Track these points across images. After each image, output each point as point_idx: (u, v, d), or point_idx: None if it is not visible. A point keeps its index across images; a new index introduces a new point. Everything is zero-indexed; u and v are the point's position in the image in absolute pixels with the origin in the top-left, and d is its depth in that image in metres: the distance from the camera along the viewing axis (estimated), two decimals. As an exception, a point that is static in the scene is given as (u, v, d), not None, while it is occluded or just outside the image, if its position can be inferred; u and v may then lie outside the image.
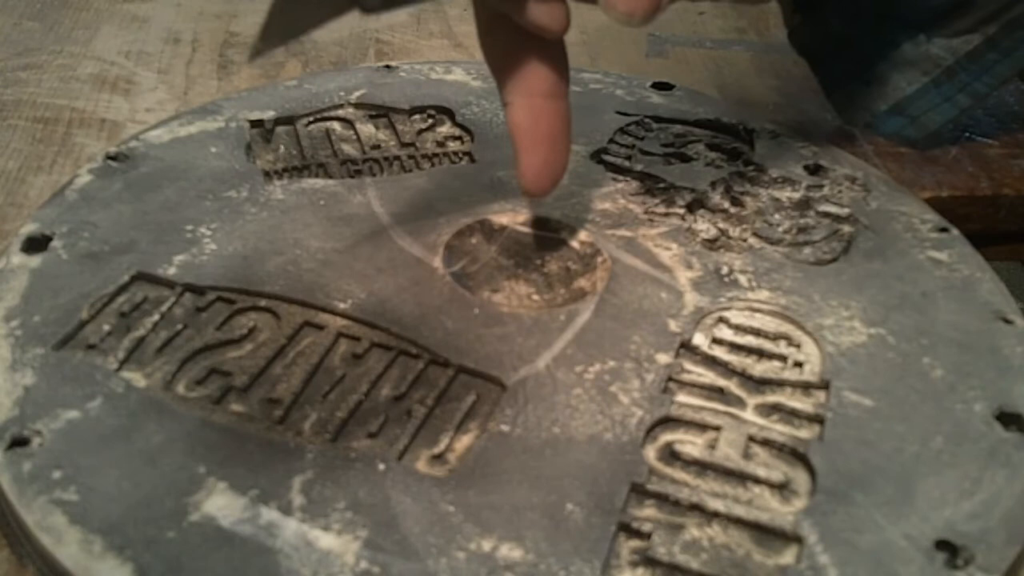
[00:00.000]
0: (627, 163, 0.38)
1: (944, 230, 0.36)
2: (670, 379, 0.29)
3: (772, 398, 0.29)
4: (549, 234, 0.35)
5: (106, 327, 0.29)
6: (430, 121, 0.41)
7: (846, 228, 0.36)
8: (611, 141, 0.40)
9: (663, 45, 0.53)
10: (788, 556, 0.24)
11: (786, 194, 0.37)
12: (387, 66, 0.44)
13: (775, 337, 0.31)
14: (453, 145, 0.40)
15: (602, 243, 0.34)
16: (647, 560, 0.24)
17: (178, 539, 0.24)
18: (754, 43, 0.54)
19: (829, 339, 0.31)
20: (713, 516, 0.25)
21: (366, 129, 0.40)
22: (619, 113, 0.42)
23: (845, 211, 0.36)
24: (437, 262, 0.33)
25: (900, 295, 0.33)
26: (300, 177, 0.37)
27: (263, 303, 0.31)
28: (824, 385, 0.29)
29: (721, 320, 0.31)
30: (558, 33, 0.29)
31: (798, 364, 0.30)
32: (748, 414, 0.28)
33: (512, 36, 0.30)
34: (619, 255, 0.34)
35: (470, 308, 0.31)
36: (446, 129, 0.41)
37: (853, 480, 0.26)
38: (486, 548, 0.24)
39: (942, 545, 0.24)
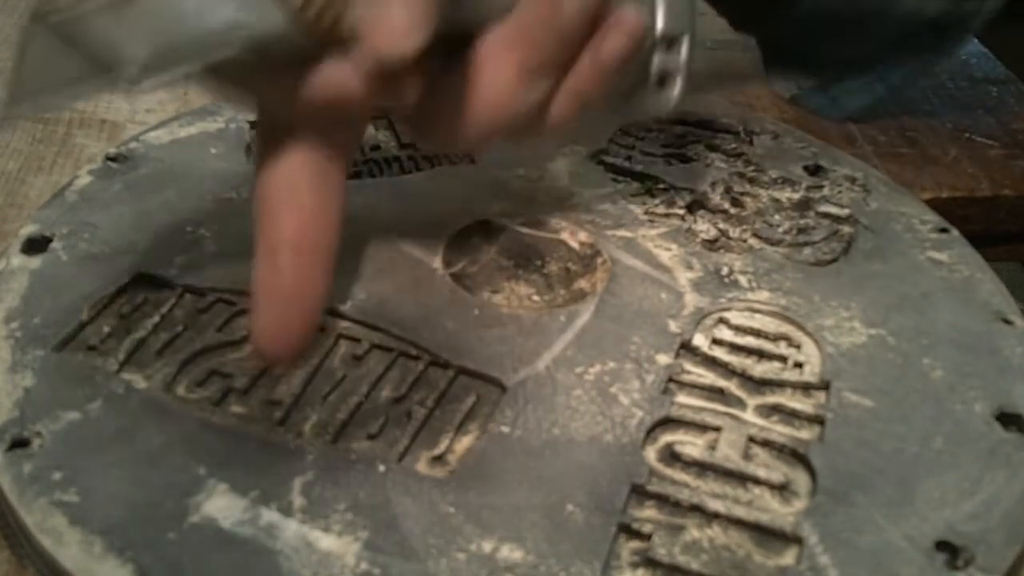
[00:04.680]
0: (627, 163, 0.38)
1: (944, 231, 0.36)
2: (670, 380, 0.29)
3: (772, 399, 0.29)
4: (549, 234, 0.35)
5: (106, 328, 0.29)
6: (430, 121, 0.41)
7: (846, 229, 0.36)
8: (611, 141, 0.40)
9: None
10: (788, 557, 0.24)
11: (786, 195, 0.37)
12: (387, 67, 0.44)
13: (775, 338, 0.31)
14: (453, 146, 0.40)
15: (602, 244, 0.34)
16: (647, 561, 0.24)
17: (179, 540, 0.24)
18: (754, 43, 0.54)
19: (829, 340, 0.31)
20: (713, 517, 0.25)
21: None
22: (619, 113, 0.42)
23: (845, 212, 0.36)
24: (437, 262, 0.33)
25: (900, 295, 0.33)
26: (300, 178, 0.37)
27: (263, 304, 0.31)
28: (824, 386, 0.29)
29: (721, 321, 0.31)
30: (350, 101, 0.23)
31: (798, 365, 0.30)
32: (748, 415, 0.28)
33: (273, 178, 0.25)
34: (619, 256, 0.34)
35: (470, 309, 0.31)
36: (446, 129, 0.41)
37: (853, 481, 0.26)
38: (486, 549, 0.24)
39: (942, 546, 0.24)
